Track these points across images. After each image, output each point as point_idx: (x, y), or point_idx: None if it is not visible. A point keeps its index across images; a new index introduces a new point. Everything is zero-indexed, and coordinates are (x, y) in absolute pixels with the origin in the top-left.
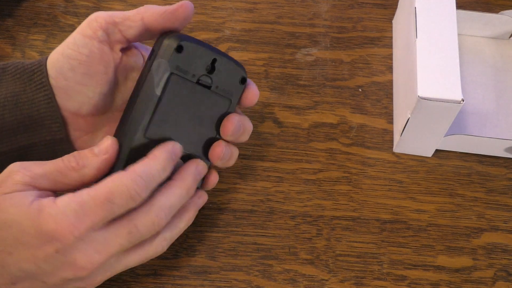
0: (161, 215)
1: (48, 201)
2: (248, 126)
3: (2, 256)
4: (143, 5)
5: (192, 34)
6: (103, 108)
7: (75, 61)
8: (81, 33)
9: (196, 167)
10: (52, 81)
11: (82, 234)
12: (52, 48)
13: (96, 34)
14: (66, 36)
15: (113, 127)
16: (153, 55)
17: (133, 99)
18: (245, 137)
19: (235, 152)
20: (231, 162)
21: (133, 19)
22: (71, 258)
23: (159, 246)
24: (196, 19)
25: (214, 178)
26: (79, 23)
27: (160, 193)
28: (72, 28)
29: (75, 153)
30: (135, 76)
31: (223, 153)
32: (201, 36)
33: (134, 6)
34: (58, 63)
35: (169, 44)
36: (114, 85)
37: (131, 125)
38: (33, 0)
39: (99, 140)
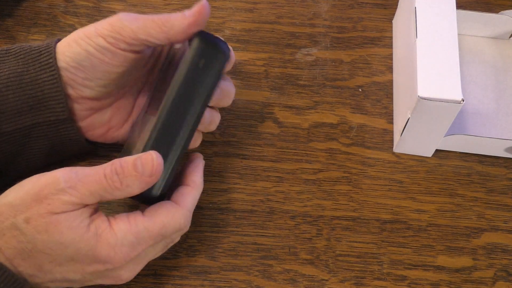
0: (188, 223)
1: (105, 226)
2: (230, 89)
3: (51, 266)
4: (145, 6)
5: None
6: (115, 91)
7: (98, 60)
8: (104, 38)
9: (202, 163)
10: (71, 69)
11: (132, 259)
12: None
13: (119, 45)
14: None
15: (122, 103)
16: (207, 66)
17: (183, 114)
18: (226, 101)
19: (216, 117)
20: (213, 127)
21: (158, 37)
22: (117, 274)
23: (176, 239)
24: None
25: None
26: (79, 23)
27: None
28: (72, 28)
29: (117, 167)
30: (144, 61)
31: (204, 117)
32: None
33: (134, 6)
34: (79, 57)
35: (223, 56)
36: (129, 74)
37: (182, 141)
38: (33, 0)
39: (106, 117)
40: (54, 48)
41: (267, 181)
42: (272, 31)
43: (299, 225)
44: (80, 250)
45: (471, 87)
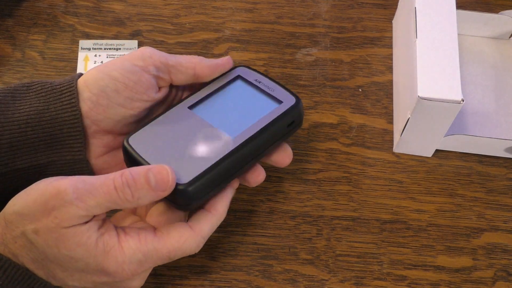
0: (198, 249)
1: (113, 242)
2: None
3: (63, 275)
4: (145, 6)
5: (192, 34)
6: (134, 126)
7: (122, 84)
8: (131, 61)
9: (232, 193)
10: (93, 97)
11: (139, 274)
12: (52, 48)
13: (148, 68)
14: (66, 36)
15: None
16: (292, 127)
17: (254, 154)
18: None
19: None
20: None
21: (186, 66)
22: (127, 285)
23: None
24: (196, 19)
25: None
26: (79, 23)
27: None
28: (72, 28)
29: (129, 179)
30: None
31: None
32: (201, 36)
33: (135, 6)
34: (102, 82)
35: (301, 121)
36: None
37: (242, 172)
38: (33, 0)
39: (119, 158)
40: (76, 87)
41: (267, 181)
42: (272, 31)
43: (299, 225)
44: (89, 265)
45: (471, 87)
